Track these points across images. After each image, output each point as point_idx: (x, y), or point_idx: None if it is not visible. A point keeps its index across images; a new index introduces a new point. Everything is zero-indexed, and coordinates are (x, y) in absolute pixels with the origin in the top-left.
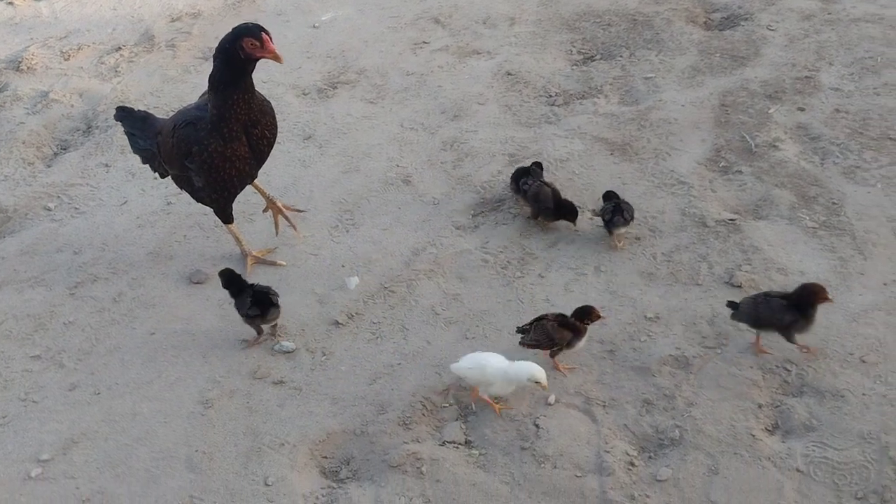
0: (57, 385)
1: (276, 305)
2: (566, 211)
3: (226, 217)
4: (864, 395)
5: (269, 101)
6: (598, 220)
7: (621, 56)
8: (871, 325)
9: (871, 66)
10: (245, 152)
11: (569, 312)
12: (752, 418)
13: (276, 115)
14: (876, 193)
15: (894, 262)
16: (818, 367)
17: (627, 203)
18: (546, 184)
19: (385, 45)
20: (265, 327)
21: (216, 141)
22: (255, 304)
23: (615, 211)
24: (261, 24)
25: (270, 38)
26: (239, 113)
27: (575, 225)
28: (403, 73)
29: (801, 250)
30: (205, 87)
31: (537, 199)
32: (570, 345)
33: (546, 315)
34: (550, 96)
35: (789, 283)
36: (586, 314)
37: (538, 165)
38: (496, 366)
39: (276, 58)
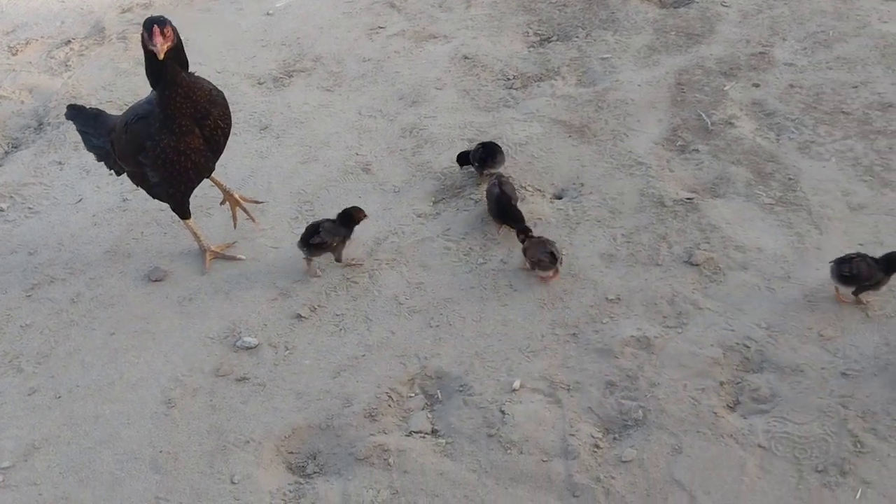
0: (16, 390)
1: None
2: (510, 218)
3: (183, 212)
4: (822, 369)
5: (220, 91)
6: (559, 204)
7: (577, 37)
8: (828, 300)
9: (824, 40)
10: (199, 145)
11: None
12: (713, 396)
13: (232, 106)
14: (830, 168)
15: (849, 235)
16: (777, 342)
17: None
18: (501, 182)
19: (340, 32)
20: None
21: (168, 136)
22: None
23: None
24: (164, 16)
25: (159, 32)
26: (182, 106)
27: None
28: (360, 59)
29: (759, 227)
30: None
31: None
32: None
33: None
34: (508, 79)
35: (747, 261)
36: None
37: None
38: None
39: (156, 53)
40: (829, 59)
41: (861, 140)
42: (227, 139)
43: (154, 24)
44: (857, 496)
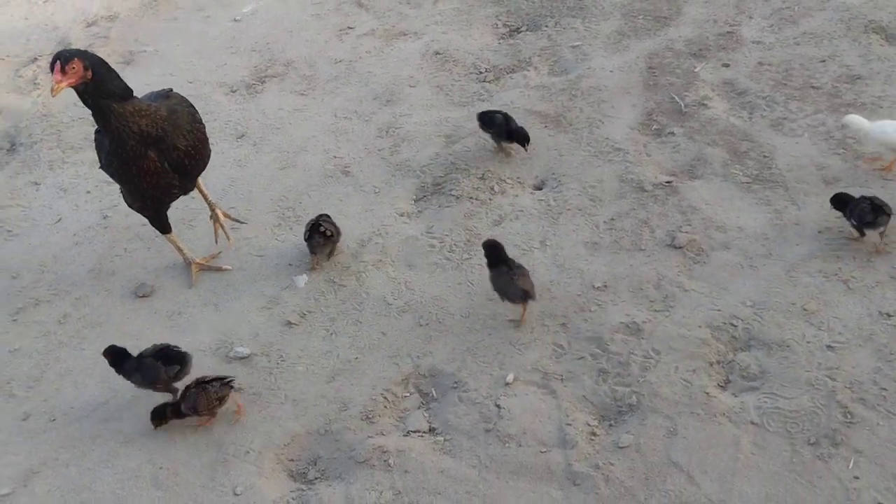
0: (9, 416)
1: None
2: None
3: (162, 227)
4: (808, 342)
5: (185, 111)
6: (540, 195)
7: (547, 26)
8: (809, 274)
9: (790, 16)
10: (156, 167)
11: None
12: (704, 377)
13: (206, 116)
14: (804, 143)
15: (826, 208)
16: (763, 319)
17: None
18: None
19: (310, 34)
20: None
21: (117, 160)
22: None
23: None
24: (80, 49)
25: (59, 69)
26: (122, 134)
27: (526, 150)
28: (331, 61)
29: (738, 206)
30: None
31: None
32: None
33: None
34: (481, 73)
35: (728, 240)
36: None
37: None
38: None
39: (51, 91)
40: (796, 35)
41: (832, 114)
42: (196, 160)
43: (56, 61)
44: (850, 465)
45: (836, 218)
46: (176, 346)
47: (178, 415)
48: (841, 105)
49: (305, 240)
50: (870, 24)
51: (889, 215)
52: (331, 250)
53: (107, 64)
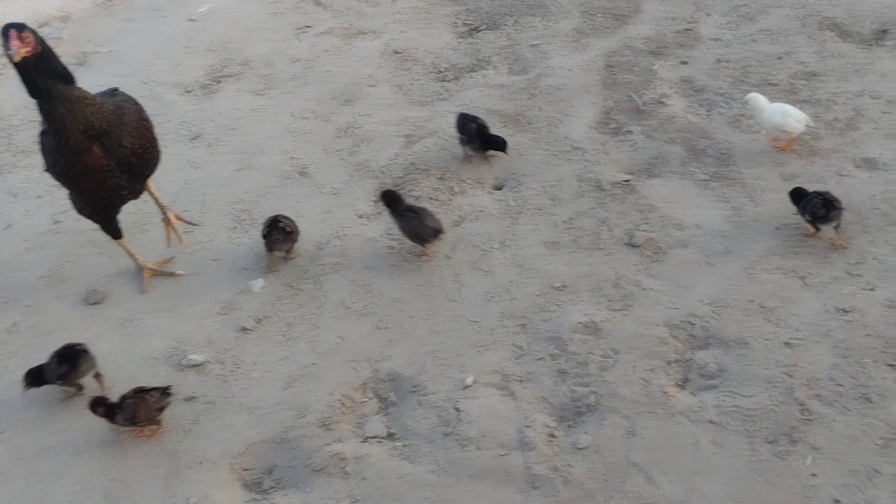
0: None
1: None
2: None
3: (112, 233)
4: (766, 340)
5: (131, 108)
6: (499, 195)
7: (506, 24)
8: (767, 271)
9: (747, 13)
10: (103, 164)
11: None
12: (663, 376)
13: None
14: (761, 140)
15: (784, 205)
16: (721, 317)
17: None
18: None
19: (268, 33)
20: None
21: (62, 155)
22: None
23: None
24: (21, 21)
25: (16, 36)
26: (66, 121)
27: (506, 153)
28: (289, 60)
29: (696, 203)
30: None
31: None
32: None
33: None
34: (440, 72)
35: (686, 238)
36: None
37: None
38: None
39: (12, 57)
40: (754, 32)
41: None
42: (144, 159)
43: (11, 29)
44: (808, 463)
45: (792, 214)
46: (80, 345)
47: (131, 423)
48: (797, 101)
49: (263, 237)
50: (825, 20)
51: (840, 210)
52: (289, 248)
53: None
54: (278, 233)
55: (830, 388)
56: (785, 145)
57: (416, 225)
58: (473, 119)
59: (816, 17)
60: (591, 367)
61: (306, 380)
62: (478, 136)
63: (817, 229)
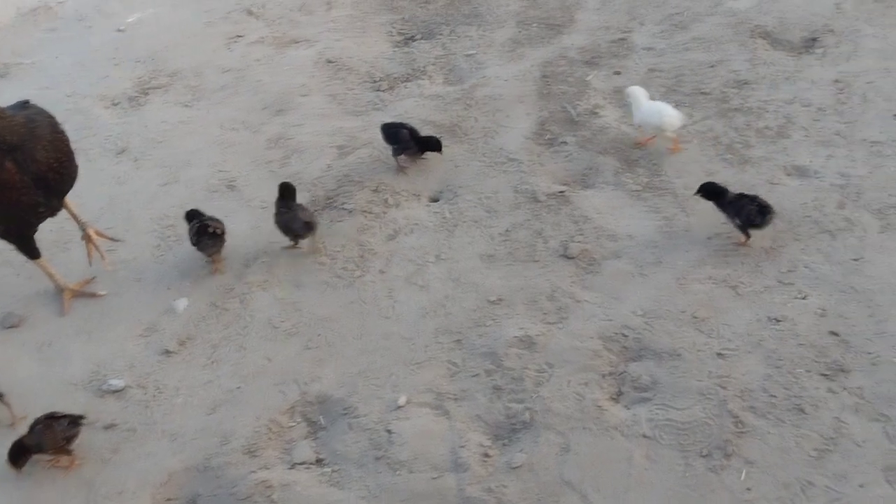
0: None
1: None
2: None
3: (29, 252)
4: (699, 351)
5: (44, 121)
6: (435, 207)
7: (442, 34)
8: (699, 281)
9: (680, 21)
10: (16, 180)
11: None
12: (597, 389)
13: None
14: (692, 149)
15: (715, 214)
16: (653, 328)
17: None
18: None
19: (197, 43)
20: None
21: None
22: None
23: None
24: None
25: None
26: None
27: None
28: (220, 70)
29: (629, 214)
30: None
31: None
32: None
33: None
34: (375, 81)
35: (619, 249)
36: None
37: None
38: None
39: None
40: (687, 41)
41: (720, 119)
42: (62, 175)
43: None
44: (742, 477)
45: (722, 224)
46: None
47: (38, 449)
48: (728, 110)
49: (194, 244)
50: (756, 28)
51: (773, 214)
52: (218, 251)
53: None
54: (208, 238)
55: (763, 400)
56: (673, 146)
57: (288, 219)
58: (401, 125)
59: (748, 25)
60: (527, 383)
61: (231, 404)
62: (413, 141)
63: (748, 235)
